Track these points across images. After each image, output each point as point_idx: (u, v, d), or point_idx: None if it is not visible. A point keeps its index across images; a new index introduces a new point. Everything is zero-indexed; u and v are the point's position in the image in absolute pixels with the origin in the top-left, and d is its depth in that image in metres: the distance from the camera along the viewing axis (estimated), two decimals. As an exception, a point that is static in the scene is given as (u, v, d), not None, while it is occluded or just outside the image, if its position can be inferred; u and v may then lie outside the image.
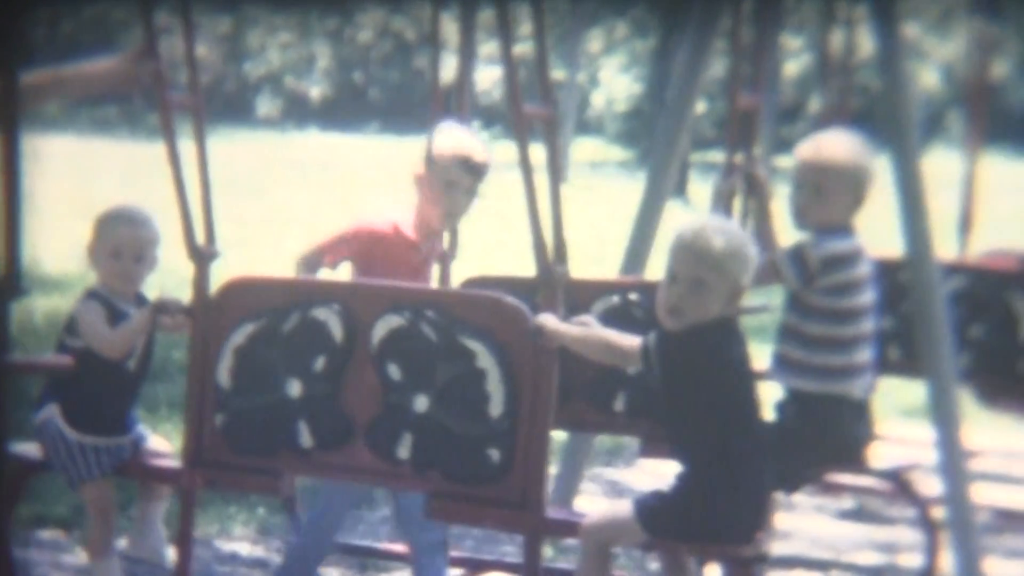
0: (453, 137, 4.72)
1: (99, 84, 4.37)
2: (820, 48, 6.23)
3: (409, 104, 31.13)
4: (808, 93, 28.29)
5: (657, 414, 4.33)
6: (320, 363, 4.14)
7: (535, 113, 4.11)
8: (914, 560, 5.80)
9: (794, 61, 31.27)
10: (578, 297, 4.54)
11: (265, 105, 34.54)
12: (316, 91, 35.33)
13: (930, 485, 5.14)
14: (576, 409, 4.61)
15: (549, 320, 3.97)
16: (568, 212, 4.14)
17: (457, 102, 4.96)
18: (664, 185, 5.53)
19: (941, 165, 7.73)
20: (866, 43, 5.25)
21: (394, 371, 4.08)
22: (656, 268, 5.53)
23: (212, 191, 4.32)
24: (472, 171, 4.69)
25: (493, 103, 34.47)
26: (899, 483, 4.91)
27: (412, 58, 34.22)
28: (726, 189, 4.69)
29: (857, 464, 4.69)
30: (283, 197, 18.95)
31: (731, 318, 3.85)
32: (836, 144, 4.74)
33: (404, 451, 4.08)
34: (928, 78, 32.59)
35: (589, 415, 4.67)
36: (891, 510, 6.46)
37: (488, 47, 33.73)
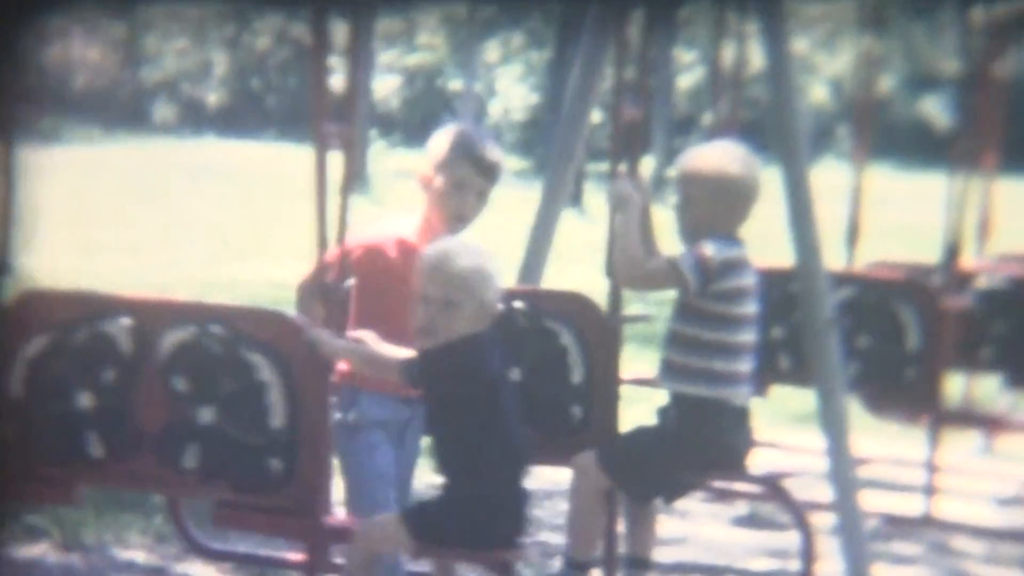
0: (464, 136, 4.45)
1: None
2: (712, 62, 6.31)
3: (307, 111, 31.00)
4: (701, 106, 28.56)
5: (538, 421, 4.59)
6: (110, 375, 4.23)
7: (335, 132, 4.29)
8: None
9: (687, 74, 31.59)
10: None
11: (161, 111, 34.24)
12: (213, 97, 35.08)
13: (820, 492, 5.23)
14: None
15: (322, 334, 4.13)
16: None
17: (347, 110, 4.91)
18: (560, 195, 5.57)
19: (830, 177, 7.87)
20: (757, 57, 5.34)
21: (181, 383, 4.19)
22: (552, 277, 5.61)
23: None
24: (484, 171, 4.39)
25: (390, 111, 34.44)
26: (775, 489, 4.98)
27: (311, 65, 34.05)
28: (616, 196, 4.70)
29: (737, 471, 4.76)
30: (179, 203, 18.80)
31: (484, 333, 4.05)
32: (703, 154, 4.76)
33: (191, 461, 4.20)
34: (817, 92, 33.07)
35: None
36: (783, 516, 6.55)
37: (387, 56, 33.71)
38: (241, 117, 33.20)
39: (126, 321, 4.21)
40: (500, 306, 4.10)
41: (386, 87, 34.20)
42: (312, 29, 4.25)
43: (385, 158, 26.96)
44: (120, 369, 4.21)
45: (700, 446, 4.61)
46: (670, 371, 4.63)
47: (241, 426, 4.15)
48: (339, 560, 4.42)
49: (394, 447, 4.47)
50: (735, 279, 4.56)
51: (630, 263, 4.61)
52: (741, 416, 4.68)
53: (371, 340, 4.15)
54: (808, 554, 4.83)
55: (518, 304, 4.70)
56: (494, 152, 4.38)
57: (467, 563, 4.36)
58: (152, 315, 4.23)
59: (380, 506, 4.30)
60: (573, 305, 4.68)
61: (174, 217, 17.42)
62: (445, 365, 3.99)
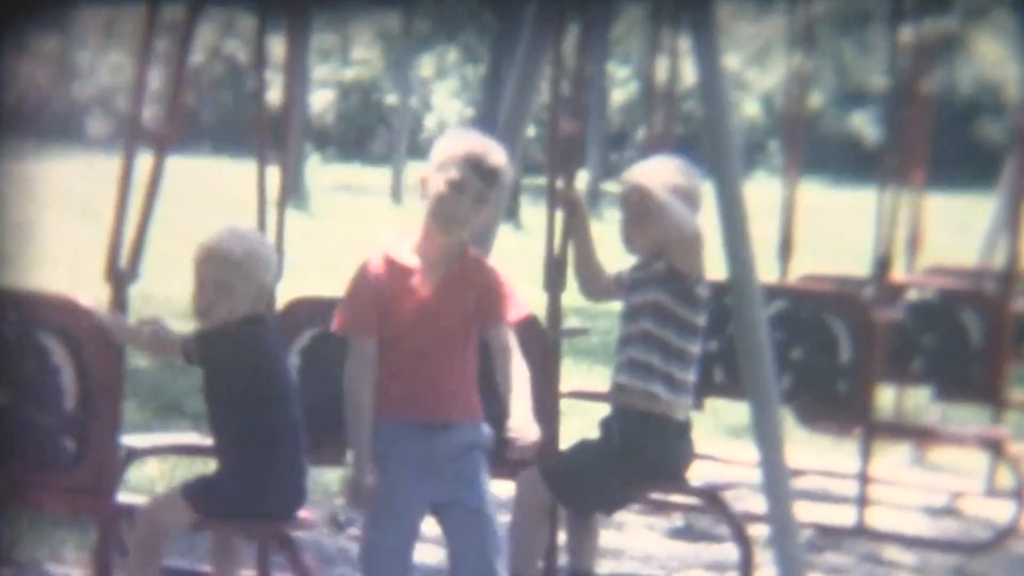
0: (466, 137, 4.18)
1: None
2: (645, 77, 6.36)
3: (241, 126, 30.86)
4: (635, 120, 28.69)
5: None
6: None
7: (156, 132, 4.58)
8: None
9: (621, 89, 31.74)
10: None
11: (96, 126, 33.98)
12: (147, 112, 34.84)
13: (755, 504, 5.26)
14: None
15: (110, 317, 4.30)
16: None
17: (284, 125, 4.92)
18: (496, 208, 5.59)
19: (763, 192, 7.94)
20: (689, 73, 5.38)
21: None
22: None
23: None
24: (483, 174, 4.07)
25: (325, 126, 34.38)
26: (713, 501, 5.02)
27: (244, 81, 33.95)
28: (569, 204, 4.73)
29: (677, 483, 4.79)
30: (111, 217, 18.63)
31: (260, 315, 4.22)
32: (652, 169, 4.81)
33: None
34: (750, 108, 33.31)
35: None
36: (719, 528, 6.60)
37: (321, 71, 33.63)
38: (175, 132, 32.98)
39: None
40: (277, 288, 4.29)
41: (321, 101, 34.12)
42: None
43: (321, 172, 26.89)
44: None
45: (643, 459, 4.64)
46: (631, 371, 4.66)
47: (36, 408, 4.30)
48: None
49: (424, 479, 4.13)
50: (703, 288, 4.66)
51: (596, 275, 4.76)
52: (683, 429, 4.72)
53: (160, 323, 4.26)
54: (746, 566, 4.87)
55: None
56: (496, 156, 4.11)
57: (247, 536, 4.46)
58: None
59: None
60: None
61: (105, 231, 17.27)
62: (222, 345, 4.16)
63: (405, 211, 24.67)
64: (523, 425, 4.03)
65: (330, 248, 14.12)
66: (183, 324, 4.50)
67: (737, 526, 4.90)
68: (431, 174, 4.13)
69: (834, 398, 6.36)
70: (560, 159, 4.78)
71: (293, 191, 18.74)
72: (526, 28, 5.49)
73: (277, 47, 5.16)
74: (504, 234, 6.02)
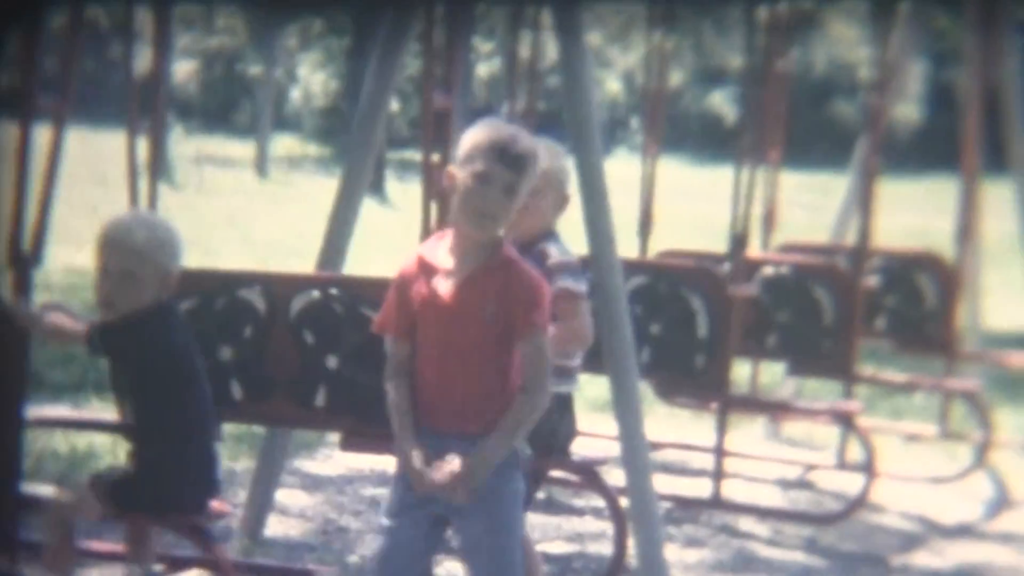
0: (491, 126, 3.91)
1: None
2: (509, 52, 6.39)
3: (103, 95, 30.33)
4: (500, 96, 28.73)
5: (356, 410, 4.80)
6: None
7: (46, 107, 4.42)
8: (600, 548, 6.02)
9: (485, 64, 31.78)
10: (278, 291, 4.95)
11: None
12: (3, 79, 34.10)
13: (614, 477, 5.33)
14: (276, 405, 4.97)
15: (16, 305, 4.25)
16: (266, 208, 4.22)
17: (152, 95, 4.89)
18: (360, 182, 5.59)
19: (624, 169, 8.03)
20: (553, 49, 5.42)
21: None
22: (353, 264, 5.63)
23: None
24: (509, 162, 3.81)
25: (189, 97, 33.89)
26: (589, 475, 5.09)
27: (106, 48, 33.36)
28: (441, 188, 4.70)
29: (557, 458, 4.83)
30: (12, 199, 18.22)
31: (167, 303, 4.18)
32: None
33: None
34: (612, 85, 33.56)
35: (289, 411, 4.98)
36: (578, 500, 6.68)
37: (184, 39, 33.14)
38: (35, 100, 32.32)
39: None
40: (178, 275, 4.18)
41: (184, 72, 33.66)
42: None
43: (184, 144, 26.56)
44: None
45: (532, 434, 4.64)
46: None
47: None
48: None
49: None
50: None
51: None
52: (566, 403, 4.77)
53: (58, 312, 4.19)
54: (620, 539, 4.96)
55: (334, 291, 4.87)
56: (523, 142, 3.86)
57: (159, 527, 4.45)
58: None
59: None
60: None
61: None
62: (127, 336, 4.07)
63: (270, 183, 24.48)
64: (465, 467, 3.75)
65: (194, 221, 13.97)
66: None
67: (612, 500, 4.98)
68: (457, 169, 3.88)
69: (692, 372, 6.45)
70: (434, 134, 4.81)
71: (157, 163, 18.47)
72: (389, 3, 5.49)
73: (141, 15, 5.12)
74: (369, 207, 6.03)
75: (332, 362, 4.89)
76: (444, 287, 3.84)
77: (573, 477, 5.65)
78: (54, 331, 4.19)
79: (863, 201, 7.32)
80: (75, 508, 4.19)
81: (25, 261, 4.33)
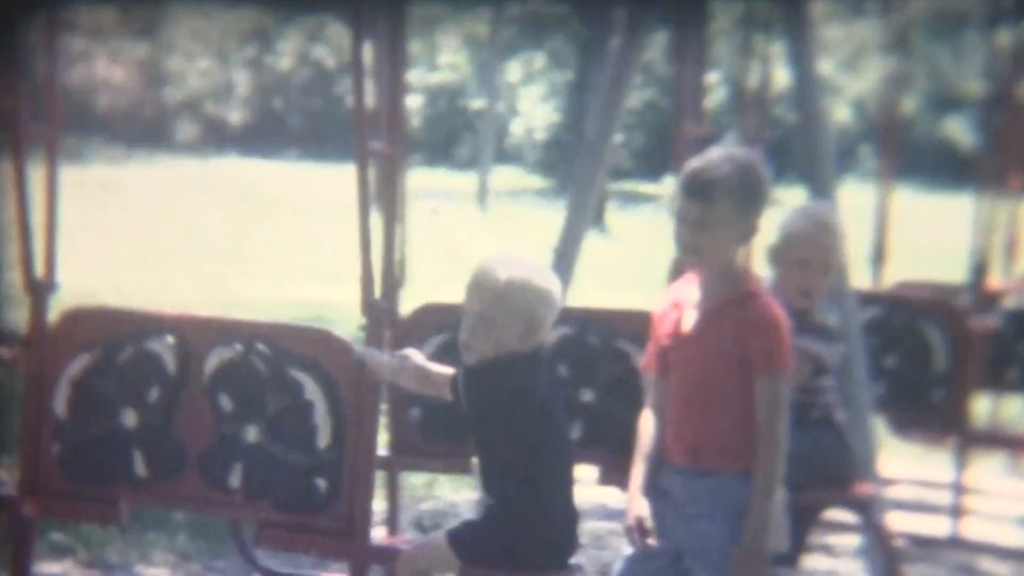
0: (698, 156, 3.86)
1: None
2: (735, 82, 6.31)
3: (329, 131, 31.07)
4: (724, 126, 28.59)
5: (612, 443, 4.54)
6: (154, 394, 4.24)
7: (379, 150, 4.23)
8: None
9: (710, 95, 31.64)
10: None
11: (184, 130, 34.36)
12: (236, 116, 35.19)
13: (845, 514, 5.20)
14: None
15: (371, 353, 4.07)
16: (487, 240, 4.17)
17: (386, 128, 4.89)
18: (584, 215, 5.58)
19: (853, 197, 7.86)
20: (780, 77, 5.34)
21: (226, 402, 4.18)
22: (576, 296, 5.60)
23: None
24: (690, 194, 3.77)
25: (412, 130, 34.47)
26: (866, 512, 4.99)
27: (332, 85, 34.18)
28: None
29: (835, 492, 4.76)
30: (200, 222, 18.84)
31: (533, 349, 3.82)
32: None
33: (236, 480, 4.19)
34: (840, 113, 33.06)
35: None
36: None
37: (409, 75, 33.83)
38: (263, 136, 33.30)
39: (170, 339, 4.21)
40: (549, 324, 3.83)
41: (408, 106, 34.30)
42: (352, 47, 4.20)
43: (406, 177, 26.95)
44: (165, 387, 4.21)
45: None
46: None
47: (287, 445, 4.13)
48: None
49: (673, 521, 3.91)
50: None
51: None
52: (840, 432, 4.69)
53: (418, 357, 4.01)
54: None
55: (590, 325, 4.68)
56: (708, 171, 3.76)
57: None
58: (196, 333, 4.22)
59: None
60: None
61: (195, 235, 17.46)
62: (486, 382, 3.82)
63: (490, 215, 24.73)
64: (745, 550, 3.71)
65: (413, 253, 14.16)
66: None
67: (887, 541, 4.88)
68: None
69: (928, 407, 6.27)
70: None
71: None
72: (616, 34, 5.47)
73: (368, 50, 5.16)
74: (591, 239, 5.99)
75: (588, 396, 4.62)
76: (687, 320, 3.82)
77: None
78: (416, 381, 4.00)
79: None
80: (429, 563, 3.97)
81: (41, 286, 4.29)
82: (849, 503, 4.95)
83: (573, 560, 3.90)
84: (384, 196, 4.27)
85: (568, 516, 3.88)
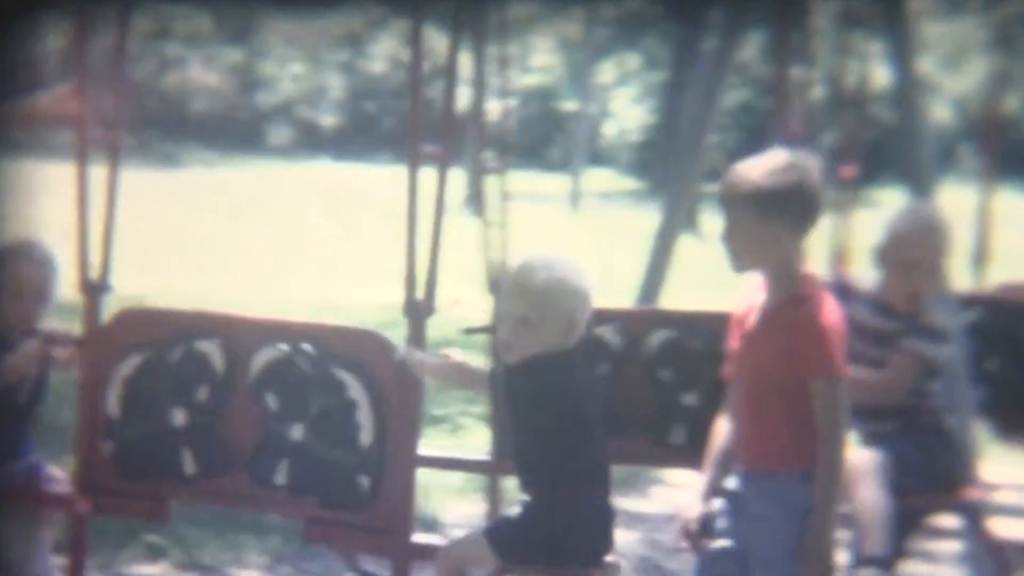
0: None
1: (40, 118, 4.46)
2: (834, 81, 6.22)
3: (421, 134, 31.18)
4: (818, 126, 28.34)
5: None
6: (203, 393, 4.29)
7: (431, 153, 4.28)
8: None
9: (807, 94, 31.34)
10: (633, 329, 4.84)
11: (277, 134, 34.68)
12: (328, 120, 35.46)
13: (947, 520, 5.12)
14: (633, 443, 4.78)
15: (413, 352, 4.10)
16: (580, 241, 4.13)
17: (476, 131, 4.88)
18: (677, 217, 5.54)
19: (953, 198, 7.75)
20: (879, 76, 5.25)
21: (272, 401, 4.23)
22: (669, 299, 5.55)
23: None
24: (725, 202, 3.82)
25: (504, 133, 34.51)
26: (977, 518, 4.92)
27: (425, 89, 34.33)
28: None
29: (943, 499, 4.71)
30: (293, 225, 18.98)
31: (570, 350, 3.86)
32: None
33: (281, 478, 4.23)
34: (940, 112, 32.67)
35: (645, 449, 4.84)
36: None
37: (500, 78, 33.87)
38: (356, 140, 33.52)
39: (218, 340, 4.26)
40: (585, 322, 3.87)
41: (500, 109, 34.33)
42: (411, 49, 4.22)
43: (498, 179, 26.99)
44: (213, 387, 4.27)
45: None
46: None
47: (331, 444, 4.17)
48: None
49: (736, 523, 3.91)
50: None
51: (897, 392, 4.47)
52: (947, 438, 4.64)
53: (458, 355, 4.04)
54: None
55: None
56: (742, 177, 3.76)
57: None
58: (243, 333, 4.27)
59: None
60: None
61: (288, 239, 17.59)
62: (525, 381, 3.88)
63: (583, 217, 24.70)
64: (808, 552, 3.69)
65: (510, 255, 14.13)
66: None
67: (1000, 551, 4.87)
68: None
69: (1032, 411, 6.16)
70: None
71: (473, 199, 18.89)
72: (711, 34, 5.41)
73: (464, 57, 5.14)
74: (684, 241, 5.94)
75: (691, 399, 4.67)
76: (750, 323, 3.83)
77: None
78: (457, 379, 4.05)
79: None
80: (467, 559, 4.01)
81: (94, 288, 4.35)
82: (958, 508, 4.86)
83: (609, 558, 3.93)
84: (439, 198, 4.31)
85: (604, 513, 3.93)
